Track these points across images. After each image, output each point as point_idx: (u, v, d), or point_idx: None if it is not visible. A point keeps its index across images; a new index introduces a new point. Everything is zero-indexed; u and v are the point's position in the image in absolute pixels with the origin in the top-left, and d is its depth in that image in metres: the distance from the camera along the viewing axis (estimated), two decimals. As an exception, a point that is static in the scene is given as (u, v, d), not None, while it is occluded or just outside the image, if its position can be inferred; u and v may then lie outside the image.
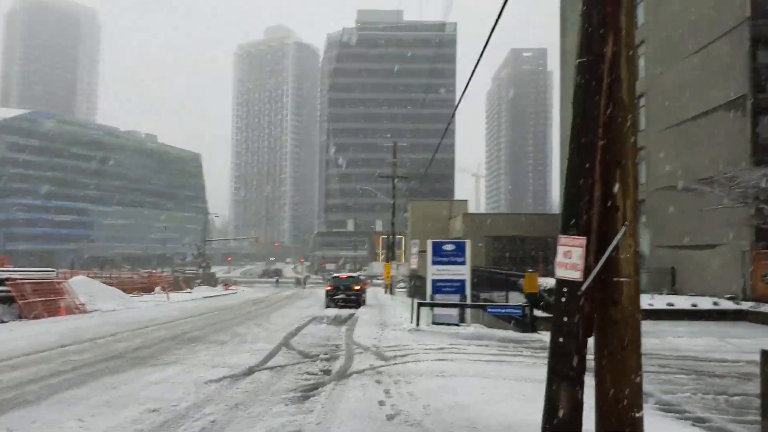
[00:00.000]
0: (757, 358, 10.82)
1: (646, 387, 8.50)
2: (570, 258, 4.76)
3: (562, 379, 4.97)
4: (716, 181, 17.98)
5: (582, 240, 4.70)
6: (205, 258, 74.56)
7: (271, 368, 9.21)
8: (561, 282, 4.86)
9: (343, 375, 8.59)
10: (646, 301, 18.99)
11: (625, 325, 4.90)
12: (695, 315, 17.56)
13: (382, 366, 9.34)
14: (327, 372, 8.93)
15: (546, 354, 11.35)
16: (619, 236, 4.72)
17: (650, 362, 10.68)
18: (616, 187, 4.72)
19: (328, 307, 26.09)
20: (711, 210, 21.64)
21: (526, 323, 15.00)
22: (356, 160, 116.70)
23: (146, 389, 7.48)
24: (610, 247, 4.72)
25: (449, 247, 16.47)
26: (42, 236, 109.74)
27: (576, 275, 4.70)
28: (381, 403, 6.76)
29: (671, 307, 17.82)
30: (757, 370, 5.29)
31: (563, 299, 4.84)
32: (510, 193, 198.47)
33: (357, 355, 10.66)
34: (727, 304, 18.14)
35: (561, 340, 4.94)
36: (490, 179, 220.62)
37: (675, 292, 23.77)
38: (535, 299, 15.32)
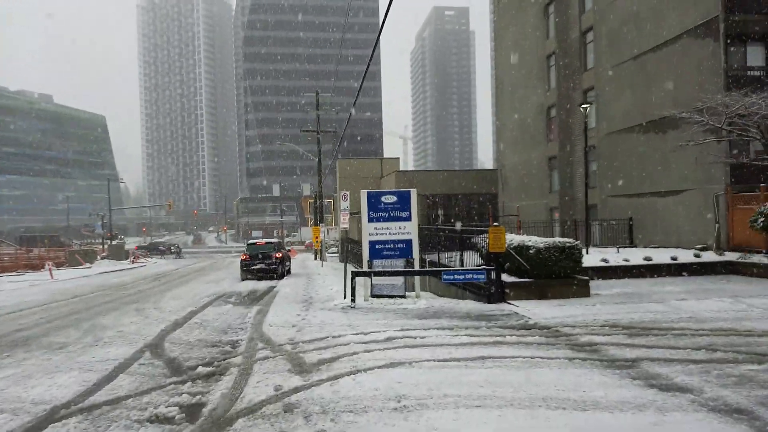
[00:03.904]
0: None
1: (731, 396, 5.26)
2: None
3: None
4: (708, 108, 15.18)
5: None
6: (112, 229, 67.10)
7: (90, 410, 5.08)
8: None
9: (220, 423, 4.64)
10: (606, 256, 16.25)
11: None
12: (677, 270, 14.97)
13: (297, 389, 5.47)
14: (192, 415, 4.93)
15: (538, 338, 7.88)
16: None
17: (684, 341, 7.54)
18: None
19: (244, 279, 21.87)
20: (678, 150, 19.15)
21: (491, 291, 11.61)
22: (277, 119, 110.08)
23: None
24: None
25: (390, 199, 12.70)
26: None
27: None
28: None
29: (649, 262, 15.11)
30: None
31: None
32: (437, 153, 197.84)
33: (260, 363, 6.72)
34: (709, 256, 15.68)
35: None
36: (417, 140, 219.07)
37: (633, 245, 21.49)
38: (500, 260, 11.94)
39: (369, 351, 7.08)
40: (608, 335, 8.13)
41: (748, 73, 18.27)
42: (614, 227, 23.00)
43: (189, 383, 5.96)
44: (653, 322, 8.97)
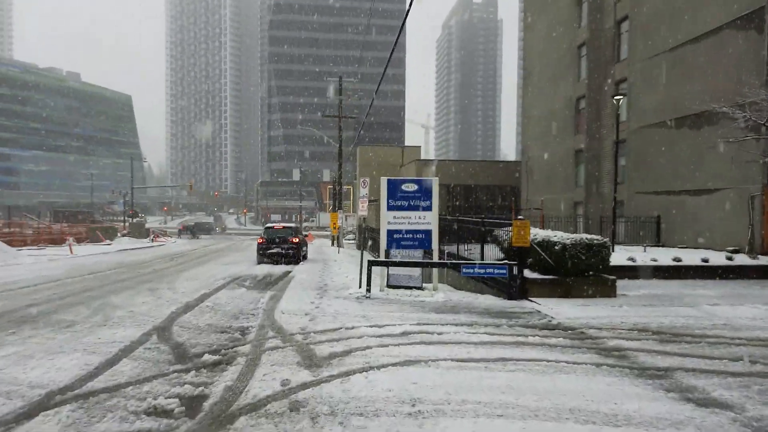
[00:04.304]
0: None
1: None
2: None
3: None
4: (751, 103, 14.39)
5: None
6: (134, 207, 67.91)
7: (86, 398, 4.82)
8: None
9: (221, 420, 4.33)
10: (632, 254, 15.62)
11: None
12: (707, 272, 14.32)
13: (305, 385, 5.14)
14: (192, 409, 4.62)
15: (562, 339, 7.44)
16: None
17: (720, 351, 7.04)
18: None
19: (260, 263, 21.70)
20: (713, 147, 18.34)
21: (513, 287, 11.16)
22: (301, 104, 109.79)
23: None
24: None
25: (410, 188, 12.28)
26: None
27: None
28: None
29: (678, 263, 14.49)
30: None
31: None
32: (459, 143, 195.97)
33: (269, 354, 6.41)
34: (742, 259, 14.99)
35: None
36: (440, 130, 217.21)
37: (661, 245, 20.77)
38: (524, 255, 11.46)
39: (383, 346, 6.72)
40: (637, 340, 7.66)
41: (793, 68, 17.32)
42: (641, 225, 22.27)
43: (193, 372, 5.67)
44: (685, 328, 8.47)
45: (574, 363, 6.31)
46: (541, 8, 33.79)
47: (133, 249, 34.10)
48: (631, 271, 14.16)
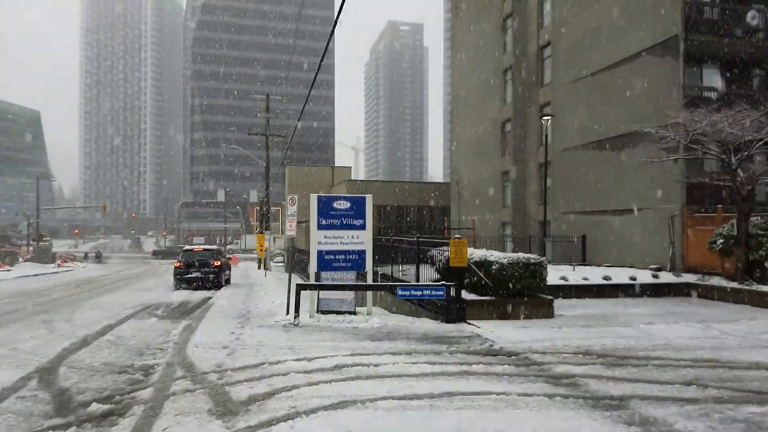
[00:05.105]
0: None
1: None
2: None
3: None
4: (673, 124, 14.81)
5: None
6: (40, 230, 62.50)
7: None
8: None
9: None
10: (563, 273, 15.63)
11: None
12: (636, 290, 14.47)
13: (217, 442, 4.19)
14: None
15: (507, 367, 6.81)
16: None
17: (669, 375, 6.72)
18: None
19: (177, 289, 20.04)
20: (634, 169, 18.96)
21: (450, 310, 10.59)
22: (226, 123, 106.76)
23: None
24: None
25: (343, 205, 11.52)
26: None
27: None
28: None
29: (608, 282, 14.57)
30: None
31: None
32: (388, 165, 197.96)
33: (174, 400, 5.35)
34: (667, 277, 15.31)
35: None
36: (369, 152, 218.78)
37: (586, 263, 21.13)
38: (461, 276, 10.95)
39: (313, 384, 5.84)
40: (584, 365, 7.22)
41: (704, 93, 18.29)
42: (567, 244, 22.64)
43: (74, 428, 4.54)
44: (628, 350, 8.17)
45: (524, 395, 5.72)
46: (467, 33, 34.49)
47: (35, 275, 31.01)
48: (564, 291, 14.06)
